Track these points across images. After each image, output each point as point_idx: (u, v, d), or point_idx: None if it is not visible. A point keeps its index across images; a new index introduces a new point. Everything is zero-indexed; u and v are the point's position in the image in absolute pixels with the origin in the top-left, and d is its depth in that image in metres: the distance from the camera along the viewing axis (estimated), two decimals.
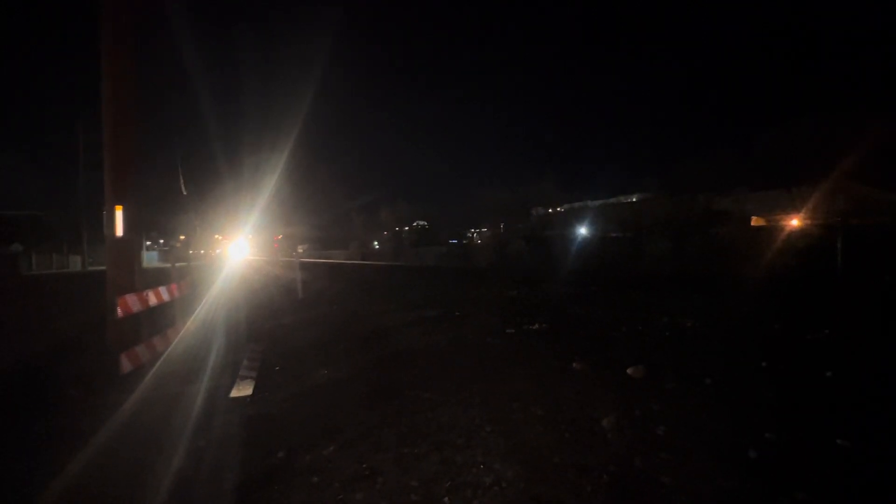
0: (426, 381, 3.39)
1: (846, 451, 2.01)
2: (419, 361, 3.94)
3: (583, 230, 32.99)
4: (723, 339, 4.08)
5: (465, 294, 8.64)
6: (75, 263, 36.90)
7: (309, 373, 3.93)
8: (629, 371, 3.20)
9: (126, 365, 3.74)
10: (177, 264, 8.56)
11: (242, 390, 3.54)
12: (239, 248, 18.53)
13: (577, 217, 35.18)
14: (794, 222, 24.63)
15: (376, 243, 58.74)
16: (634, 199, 37.55)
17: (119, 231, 3.87)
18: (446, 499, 1.81)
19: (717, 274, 13.57)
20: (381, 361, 4.10)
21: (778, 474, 1.87)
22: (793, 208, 25.11)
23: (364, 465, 2.14)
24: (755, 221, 27.67)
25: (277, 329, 6.18)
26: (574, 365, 3.47)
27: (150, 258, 52.65)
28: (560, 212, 42.28)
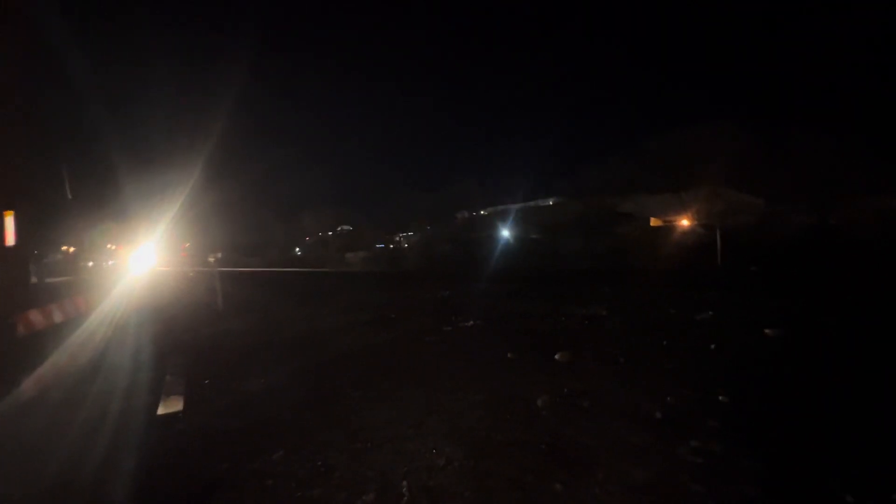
0: (368, 381, 3.45)
1: (726, 406, 2.47)
2: (359, 364, 3.97)
3: (505, 232, 34.43)
4: (631, 324, 4.65)
5: (398, 296, 8.71)
6: None
7: (242, 383, 3.77)
8: (556, 357, 3.55)
9: (30, 389, 3.31)
10: (54, 278, 7.56)
11: (171, 406, 3.31)
12: (143, 257, 16.65)
13: (499, 219, 36.66)
14: (685, 222, 28.15)
15: (298, 249, 56.04)
16: (550, 203, 40.07)
17: (9, 239, 3.40)
18: (404, 482, 1.93)
19: (624, 269, 15.09)
20: (320, 367, 4.06)
21: (677, 429, 2.25)
22: (682, 210, 28.62)
23: (318, 464, 2.17)
24: (654, 222, 30.94)
25: (199, 341, 5.76)
26: (507, 355, 3.75)
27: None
28: (483, 215, 43.77)
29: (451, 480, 1.93)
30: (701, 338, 3.79)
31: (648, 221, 30.17)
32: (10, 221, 3.44)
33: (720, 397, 2.54)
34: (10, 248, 3.46)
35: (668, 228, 27.93)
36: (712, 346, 3.51)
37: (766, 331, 3.74)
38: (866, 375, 2.77)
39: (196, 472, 2.23)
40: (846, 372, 2.85)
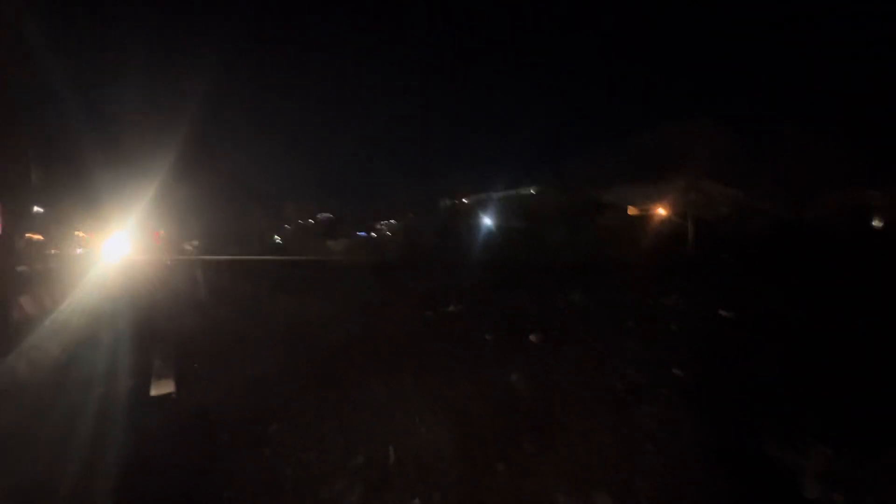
0: (358, 365, 3.64)
1: (679, 378, 2.76)
2: (348, 350, 4.15)
3: (488, 220, 34.62)
4: (602, 308, 4.95)
5: (382, 285, 8.88)
6: None
7: (233, 369, 3.91)
8: (531, 338, 3.81)
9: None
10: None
11: (163, 388, 3.44)
12: (117, 245, 16.25)
13: (482, 208, 36.77)
14: (661, 212, 28.94)
15: (278, 237, 55.24)
16: (533, 192, 40.41)
17: None
18: (391, 449, 2.15)
19: (603, 258, 15.57)
20: (310, 351, 4.22)
21: (635, 398, 2.53)
22: (659, 200, 29.40)
23: (311, 435, 2.37)
24: (631, 211, 31.63)
25: (183, 330, 5.84)
26: (487, 337, 4.00)
27: None
28: (466, 203, 43.84)
29: (433, 444, 2.16)
30: (663, 320, 4.11)
31: (627, 211, 30.85)
32: None
33: (674, 370, 2.83)
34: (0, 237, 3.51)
35: (646, 218, 28.69)
36: (672, 327, 3.82)
37: (722, 312, 4.08)
38: (805, 354, 3.11)
39: (196, 444, 2.40)
40: (788, 350, 3.18)
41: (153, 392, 3.36)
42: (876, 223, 17.45)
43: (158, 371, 3.90)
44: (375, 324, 5.02)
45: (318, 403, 2.85)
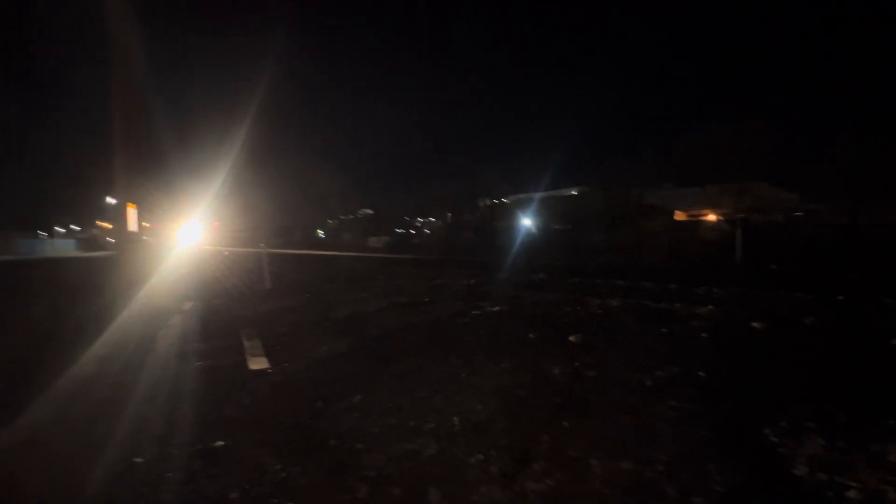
0: (414, 352, 4.22)
1: (704, 380, 3.13)
2: (405, 339, 4.75)
3: (527, 221, 34.63)
4: (638, 313, 5.28)
5: (427, 282, 9.49)
6: None
7: (309, 349, 4.60)
8: (570, 338, 4.24)
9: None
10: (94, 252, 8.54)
11: (258, 364, 4.17)
12: (189, 234, 17.83)
13: (522, 208, 36.81)
14: (710, 217, 27.95)
15: (321, 232, 57.56)
16: (574, 192, 39.91)
17: (132, 226, 4.29)
18: (455, 419, 2.69)
19: (645, 262, 15.50)
20: (370, 340, 4.86)
21: (661, 393, 2.93)
22: (707, 205, 28.37)
23: (389, 405, 2.95)
24: (678, 216, 30.70)
25: (259, 316, 6.68)
26: (529, 335, 4.47)
27: (65, 246, 47.86)
28: (506, 203, 43.87)
29: (488, 417, 2.68)
30: (696, 328, 4.42)
31: (673, 215, 29.97)
32: (132, 213, 4.32)
33: (700, 373, 3.20)
34: (133, 233, 4.35)
35: (691, 223, 27.81)
36: (703, 335, 4.13)
37: (754, 324, 4.33)
38: (832, 369, 3.37)
39: (298, 408, 3.04)
40: (816, 362, 3.45)
41: (251, 367, 4.09)
42: None
43: (250, 350, 4.66)
44: (429, 319, 5.59)
45: (387, 380, 3.44)
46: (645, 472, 2.04)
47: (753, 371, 3.25)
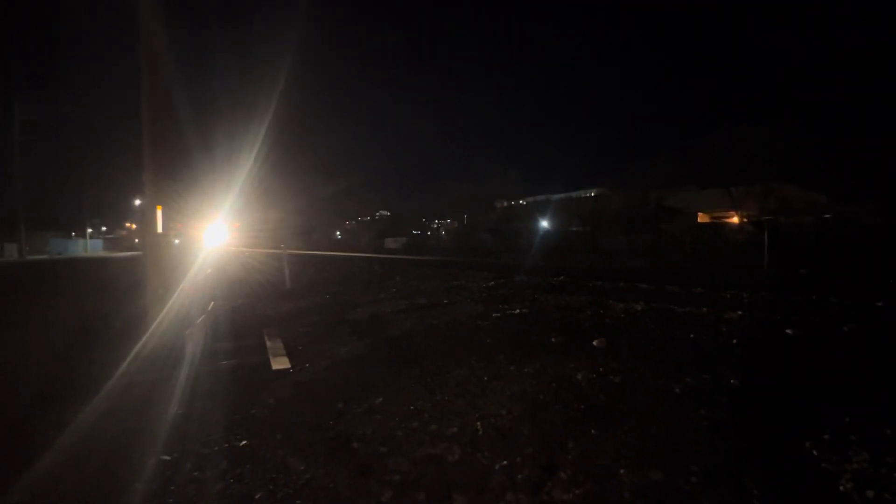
0: (435, 354, 4.20)
1: (736, 387, 3.01)
2: (425, 340, 4.73)
3: (545, 223, 34.30)
4: (663, 317, 5.14)
5: (445, 284, 9.47)
6: (11, 252, 34.99)
7: (330, 350, 4.63)
8: (594, 343, 4.15)
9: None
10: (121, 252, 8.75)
11: (281, 364, 4.21)
12: (216, 235, 18.20)
13: (539, 210, 36.49)
14: (735, 220, 27.15)
15: (339, 233, 58.20)
16: (592, 194, 39.34)
17: (159, 228, 4.39)
18: (478, 423, 2.65)
19: (666, 265, 15.15)
20: (391, 341, 4.86)
21: (692, 401, 2.83)
22: (732, 206, 27.55)
23: (411, 408, 2.93)
24: (701, 218, 29.89)
25: (280, 315, 6.77)
26: (552, 339, 4.39)
27: (93, 247, 49.66)
28: (523, 205, 43.55)
29: (512, 423, 2.63)
30: (725, 334, 4.27)
31: (696, 217, 29.22)
32: (160, 214, 4.42)
33: (731, 381, 3.08)
34: (160, 234, 4.46)
35: (717, 226, 27.06)
36: (734, 341, 3.99)
37: (788, 331, 4.16)
38: (875, 379, 3.21)
39: (320, 408, 3.05)
40: (857, 372, 3.30)
41: (274, 367, 4.13)
42: None
43: (272, 350, 4.72)
44: (448, 321, 5.57)
45: (408, 382, 3.43)
46: (678, 483, 1.97)
47: (789, 380, 3.11)
